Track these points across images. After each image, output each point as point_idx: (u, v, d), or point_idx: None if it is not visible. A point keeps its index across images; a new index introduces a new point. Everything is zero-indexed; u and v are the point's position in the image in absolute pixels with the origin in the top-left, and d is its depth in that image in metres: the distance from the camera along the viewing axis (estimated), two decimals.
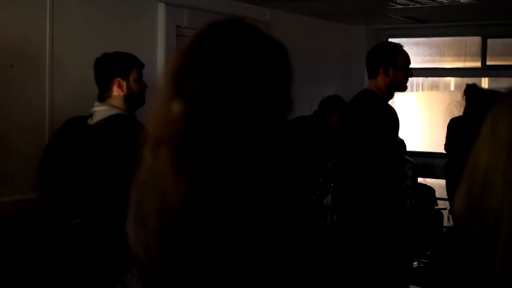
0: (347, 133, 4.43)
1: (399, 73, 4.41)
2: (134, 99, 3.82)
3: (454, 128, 6.74)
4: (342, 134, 4.51)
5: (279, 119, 1.57)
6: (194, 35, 1.57)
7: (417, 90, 9.37)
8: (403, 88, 4.55)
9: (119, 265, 3.45)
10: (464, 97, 6.46)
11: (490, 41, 7.78)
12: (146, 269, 1.52)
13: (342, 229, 4.49)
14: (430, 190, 7.39)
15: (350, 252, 4.43)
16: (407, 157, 7.14)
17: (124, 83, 3.79)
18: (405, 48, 4.60)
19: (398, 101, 8.53)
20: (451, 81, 9.15)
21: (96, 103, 3.83)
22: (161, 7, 5.41)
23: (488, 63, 7.81)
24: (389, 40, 7.90)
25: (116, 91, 3.80)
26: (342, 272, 4.50)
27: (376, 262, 4.23)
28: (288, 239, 1.47)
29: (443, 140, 7.03)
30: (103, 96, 3.84)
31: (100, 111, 3.79)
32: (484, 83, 8.34)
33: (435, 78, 9.08)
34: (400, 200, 4.38)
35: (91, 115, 3.84)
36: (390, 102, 4.54)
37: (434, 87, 9.49)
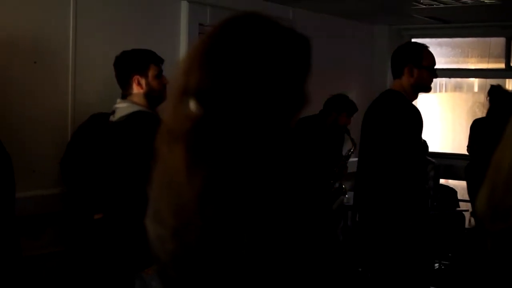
0: (370, 133, 4.40)
1: (424, 74, 4.37)
2: (155, 95, 3.79)
3: (477, 129, 6.70)
4: (365, 134, 4.48)
5: (293, 114, 1.56)
6: (210, 29, 1.56)
7: (440, 91, 9.30)
8: (428, 89, 4.51)
9: (140, 262, 3.46)
10: (488, 98, 6.42)
11: None
12: (163, 265, 1.52)
13: (364, 229, 4.46)
14: (452, 191, 7.35)
15: (371, 252, 4.40)
16: (429, 158, 7.10)
17: (143, 80, 3.78)
18: (429, 49, 4.56)
19: (421, 102, 8.48)
20: (475, 82, 9.07)
21: (118, 100, 3.82)
22: (184, 5, 5.43)
23: None
24: (412, 40, 7.86)
25: (136, 89, 3.78)
26: (363, 272, 4.48)
27: (397, 263, 4.21)
28: (302, 239, 1.45)
29: (465, 142, 6.99)
30: (125, 93, 3.84)
31: (122, 108, 3.78)
32: (508, 84, 8.25)
33: (459, 79, 9.01)
34: (422, 201, 4.35)
35: (113, 112, 3.84)
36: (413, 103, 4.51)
37: (457, 88, 9.42)
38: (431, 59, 4.43)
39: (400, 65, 4.39)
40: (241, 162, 1.43)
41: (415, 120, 4.30)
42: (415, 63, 4.35)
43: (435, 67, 4.51)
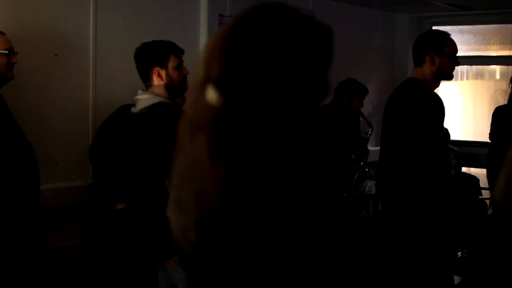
0: (392, 122, 4.39)
1: (446, 61, 4.35)
2: (175, 87, 3.79)
3: (499, 117, 6.65)
4: (387, 123, 4.46)
5: (315, 103, 1.55)
6: (231, 19, 1.56)
7: (461, 79, 9.25)
8: (450, 77, 4.49)
9: (162, 252, 3.48)
10: (510, 85, 6.37)
11: None
12: (186, 255, 1.52)
13: (387, 217, 4.45)
14: (474, 179, 7.31)
15: (394, 241, 4.39)
16: (451, 146, 7.06)
17: (163, 72, 3.78)
18: (450, 36, 4.54)
19: (442, 90, 8.43)
20: (497, 69, 9.00)
21: (139, 92, 3.83)
22: None
23: None
24: (433, 28, 7.82)
25: (156, 80, 3.79)
26: (386, 261, 4.47)
27: (420, 252, 4.20)
28: (326, 231, 1.45)
29: (487, 129, 6.94)
30: (146, 85, 3.85)
31: (143, 99, 3.79)
32: None
33: (480, 67, 8.95)
34: (444, 189, 4.33)
35: (135, 104, 3.85)
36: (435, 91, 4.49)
37: (479, 75, 9.36)
38: (453, 47, 4.41)
39: (421, 53, 4.37)
40: (263, 152, 1.43)
41: (437, 108, 4.28)
42: (437, 51, 4.33)
43: (457, 54, 4.49)
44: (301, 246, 1.42)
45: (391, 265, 4.39)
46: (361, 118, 6.51)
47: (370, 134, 6.37)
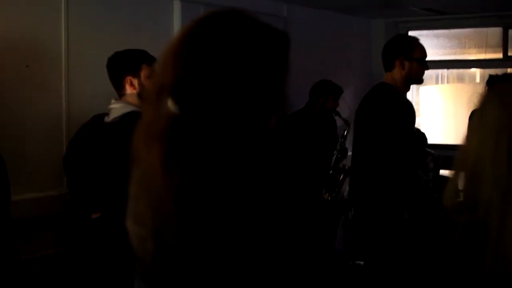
0: (363, 127, 4.41)
1: (415, 66, 4.38)
2: None
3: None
4: (358, 128, 4.49)
5: (272, 113, 1.55)
6: (186, 25, 1.55)
7: (442, 82, 9.29)
8: (419, 81, 4.53)
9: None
10: (487, 89, 6.40)
11: (511, 32, 7.68)
12: (144, 265, 1.52)
13: (360, 223, 4.47)
14: (448, 179, 7.31)
15: (368, 246, 4.41)
16: (428, 149, 7.08)
17: (135, 81, 3.77)
18: (425, 40, 4.57)
19: (423, 94, 8.46)
20: (477, 73, 9.05)
21: (113, 101, 3.83)
22: (177, 4, 5.42)
23: (510, 53, 7.71)
24: (409, 32, 7.85)
25: (129, 89, 3.78)
26: (362, 265, 4.48)
27: (393, 256, 4.21)
28: (278, 239, 1.44)
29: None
30: (119, 94, 3.85)
31: (116, 108, 3.79)
32: None
33: (460, 70, 8.99)
34: (417, 192, 4.36)
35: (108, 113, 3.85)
36: (414, 94, 4.53)
37: (459, 79, 9.40)
38: (422, 51, 4.44)
39: (391, 58, 4.41)
40: (217, 162, 1.42)
41: (407, 112, 4.31)
42: (406, 56, 4.37)
43: (431, 58, 4.52)
44: (255, 255, 1.42)
45: (367, 269, 4.41)
46: (338, 117, 6.54)
47: (347, 132, 6.39)
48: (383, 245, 4.22)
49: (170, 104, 1.49)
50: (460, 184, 1.40)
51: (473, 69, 8.93)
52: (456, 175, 1.40)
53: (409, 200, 4.22)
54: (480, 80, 8.97)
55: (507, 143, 1.28)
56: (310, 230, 1.55)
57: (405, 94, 4.49)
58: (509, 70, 8.12)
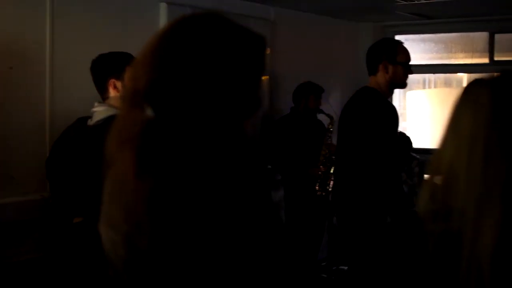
0: (346, 131, 4.40)
1: (399, 70, 4.39)
2: None
3: None
4: (341, 133, 4.48)
5: (246, 116, 1.53)
6: (162, 27, 1.54)
7: (429, 87, 9.30)
8: (403, 85, 4.52)
9: None
10: (460, 94, 6.38)
11: (497, 36, 7.70)
12: (117, 270, 1.51)
13: (343, 227, 4.46)
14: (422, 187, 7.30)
15: (352, 251, 4.40)
16: (413, 154, 7.08)
17: (119, 83, 3.75)
18: (412, 45, 4.58)
19: (410, 98, 8.46)
20: (464, 77, 9.06)
21: (96, 104, 3.80)
22: (163, 6, 5.40)
23: (496, 58, 7.73)
24: (396, 36, 7.85)
25: (112, 92, 3.77)
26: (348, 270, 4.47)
27: (376, 260, 4.20)
28: (251, 242, 1.43)
29: None
30: (103, 97, 3.82)
31: (99, 111, 3.76)
32: None
33: (448, 75, 8.99)
34: (400, 197, 4.35)
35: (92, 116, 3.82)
36: (401, 98, 4.53)
37: (446, 84, 9.41)
38: (406, 55, 4.44)
39: (374, 62, 4.41)
40: (190, 166, 1.41)
41: (391, 116, 4.31)
42: (390, 60, 4.37)
43: (417, 62, 4.53)
44: (229, 258, 1.40)
45: (351, 274, 4.39)
46: (322, 115, 6.56)
47: (332, 126, 6.40)
48: (366, 250, 4.21)
49: (138, 106, 1.46)
50: (432, 192, 1.38)
51: (460, 74, 8.94)
52: (430, 181, 1.38)
53: (391, 204, 4.22)
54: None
55: (482, 152, 1.26)
56: (296, 233, 1.54)
57: (389, 98, 4.49)
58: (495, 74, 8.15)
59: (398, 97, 7.95)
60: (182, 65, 1.45)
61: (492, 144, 1.25)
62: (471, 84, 1.37)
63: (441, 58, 8.32)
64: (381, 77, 4.38)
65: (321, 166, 6.33)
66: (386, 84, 4.39)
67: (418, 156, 7.16)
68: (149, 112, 1.48)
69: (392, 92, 4.52)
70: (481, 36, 7.85)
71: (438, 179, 1.36)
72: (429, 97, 9.13)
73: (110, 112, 3.72)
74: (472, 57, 8.08)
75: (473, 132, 1.28)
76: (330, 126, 6.43)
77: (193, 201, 1.39)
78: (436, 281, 1.32)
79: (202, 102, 1.44)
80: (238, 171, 1.46)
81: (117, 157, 1.48)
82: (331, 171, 6.27)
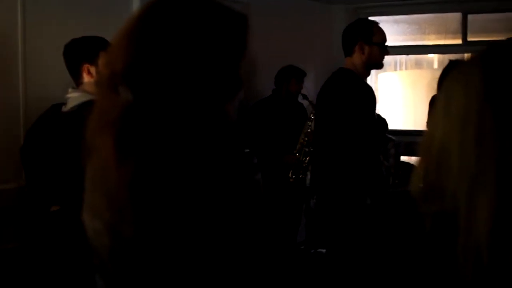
0: (324, 113, 4.39)
1: (375, 50, 4.38)
2: None
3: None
4: (319, 115, 4.47)
5: (227, 98, 1.50)
6: (138, 9, 1.50)
7: (400, 69, 9.33)
8: (379, 66, 4.52)
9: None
10: (450, 73, 6.41)
11: (470, 17, 7.73)
12: (101, 259, 1.48)
13: (322, 210, 4.45)
14: (413, 168, 7.34)
15: (330, 234, 4.40)
16: (389, 135, 7.10)
17: (93, 69, 3.71)
18: (385, 26, 4.56)
19: (382, 80, 8.48)
20: (434, 58, 9.10)
21: (70, 90, 3.76)
22: None
23: (469, 39, 7.76)
24: (369, 18, 7.85)
25: (86, 78, 3.72)
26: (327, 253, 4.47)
27: (356, 242, 4.21)
28: (237, 228, 1.41)
29: (425, 118, 6.97)
30: (76, 83, 3.77)
31: (73, 97, 3.72)
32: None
33: (418, 56, 9.03)
34: (379, 178, 4.35)
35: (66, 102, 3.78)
36: (373, 80, 4.52)
37: (417, 65, 9.44)
38: (382, 35, 4.43)
39: (350, 42, 4.40)
40: (172, 150, 1.38)
41: (368, 98, 4.30)
42: (366, 40, 4.35)
43: (391, 43, 4.51)
44: (214, 244, 1.38)
45: (329, 257, 4.40)
46: (305, 101, 6.55)
47: (313, 115, 6.39)
48: (345, 232, 4.21)
49: (121, 90, 1.43)
50: (424, 172, 1.35)
51: (431, 55, 8.97)
52: (421, 163, 1.36)
53: (371, 186, 4.22)
54: (439, 66, 9.01)
55: (474, 130, 1.24)
56: (273, 216, 1.52)
57: (365, 79, 4.48)
58: (465, 55, 8.18)
59: (370, 79, 7.95)
60: (161, 46, 1.41)
61: (485, 121, 1.23)
62: (462, 63, 1.34)
63: (414, 39, 8.35)
64: (357, 58, 4.37)
65: (297, 154, 6.32)
66: (363, 65, 4.37)
67: (394, 138, 7.19)
68: (127, 95, 1.44)
69: (368, 73, 4.51)
70: (454, 17, 7.88)
71: (429, 160, 1.34)
72: (401, 79, 9.15)
73: (84, 98, 3.68)
74: (445, 38, 8.12)
75: (464, 110, 1.26)
76: (311, 115, 6.41)
77: (175, 186, 1.36)
78: (434, 262, 1.31)
79: (181, 84, 1.40)
80: (220, 154, 1.43)
81: (97, 143, 1.44)
82: (306, 161, 6.27)
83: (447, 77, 1.34)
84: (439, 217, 1.31)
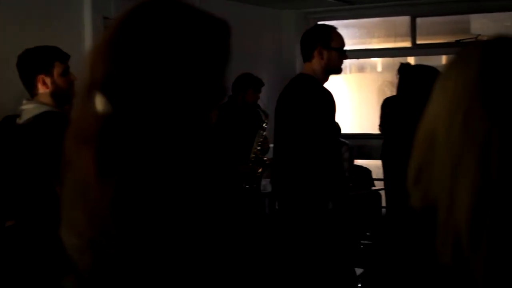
0: (284, 119, 4.38)
1: (334, 55, 4.39)
2: (62, 94, 3.67)
3: (388, 107, 6.75)
4: (279, 121, 4.45)
5: (210, 106, 1.46)
6: (117, 16, 1.45)
7: (345, 73, 9.39)
8: (338, 71, 4.53)
9: (57, 269, 3.33)
10: (398, 76, 6.48)
11: (419, 20, 7.82)
12: (82, 277, 1.42)
13: (285, 215, 4.44)
14: (366, 171, 7.40)
15: (294, 238, 4.39)
16: (342, 139, 7.13)
17: (48, 79, 3.64)
18: (337, 30, 4.57)
19: (328, 85, 8.52)
20: (378, 62, 9.19)
21: (24, 101, 3.68)
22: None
23: (418, 42, 7.85)
24: (319, 23, 7.89)
25: (41, 89, 3.65)
26: (286, 259, 4.46)
27: (321, 247, 4.21)
28: (223, 244, 1.37)
29: (375, 121, 7.03)
30: (31, 94, 3.69)
31: (28, 109, 3.64)
32: (415, 62, 8.38)
33: (361, 60, 9.11)
34: (340, 182, 4.36)
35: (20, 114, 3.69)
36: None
37: (360, 69, 9.53)
38: (340, 40, 4.46)
39: (309, 48, 4.40)
40: (154, 164, 1.33)
41: (328, 103, 4.31)
42: (324, 45, 4.37)
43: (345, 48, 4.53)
44: (198, 259, 1.35)
45: (292, 263, 4.38)
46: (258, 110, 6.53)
47: (266, 124, 6.38)
48: (308, 236, 4.20)
49: (100, 102, 1.37)
50: (416, 164, 1.33)
51: (374, 59, 9.05)
52: (413, 155, 1.33)
53: (333, 191, 4.22)
54: (382, 69, 9.11)
55: (463, 111, 1.22)
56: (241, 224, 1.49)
57: (324, 84, 4.48)
58: (412, 58, 8.25)
59: None
60: (142, 55, 1.37)
61: (475, 104, 1.21)
62: (466, 45, 1.33)
63: (364, 43, 8.41)
64: (316, 63, 4.37)
65: (250, 164, 6.29)
66: (322, 70, 4.38)
67: (347, 142, 7.22)
68: (106, 106, 1.38)
69: (327, 78, 4.52)
70: (403, 20, 7.96)
71: (420, 148, 1.31)
72: (347, 83, 9.22)
73: (40, 109, 3.62)
74: (394, 41, 8.20)
75: (458, 90, 1.24)
76: (264, 124, 6.39)
77: (159, 201, 1.32)
78: (412, 260, 1.28)
79: (165, 93, 1.36)
80: (205, 168, 1.39)
81: (76, 157, 1.38)
82: (260, 170, 6.25)
83: (446, 63, 1.33)
84: (422, 211, 1.29)
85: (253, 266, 1.46)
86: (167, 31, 1.38)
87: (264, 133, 6.41)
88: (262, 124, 6.40)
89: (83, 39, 5.25)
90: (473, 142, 1.19)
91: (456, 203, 1.19)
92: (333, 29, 4.51)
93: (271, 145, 5.51)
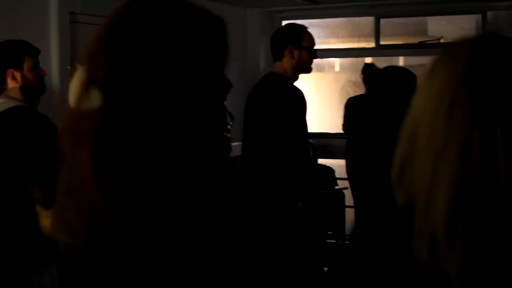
0: (254, 118, 4.38)
1: (304, 54, 4.43)
2: (32, 88, 3.66)
3: (352, 107, 6.80)
4: (248, 119, 4.45)
5: (212, 106, 1.45)
6: (115, 8, 1.43)
7: None
8: (309, 70, 4.57)
9: (27, 267, 3.30)
10: (362, 77, 6.53)
11: (383, 21, 7.88)
12: (78, 276, 1.41)
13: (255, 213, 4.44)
14: (330, 170, 7.45)
15: (264, 237, 4.39)
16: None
17: (18, 74, 3.63)
18: (308, 29, 4.60)
19: None
20: (336, 62, 9.23)
21: None
22: None
23: (381, 42, 7.90)
24: (283, 22, 7.89)
25: (11, 83, 3.64)
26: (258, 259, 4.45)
27: (290, 247, 4.22)
28: (222, 243, 1.37)
29: (336, 121, 7.08)
30: (0, 89, 3.65)
31: None
32: (378, 63, 8.43)
33: (320, 60, 9.14)
34: (310, 181, 4.38)
35: None
36: None
37: (318, 68, 9.57)
38: (311, 40, 4.50)
39: (280, 47, 4.42)
40: (153, 162, 1.32)
41: (299, 101, 4.34)
42: (295, 44, 4.40)
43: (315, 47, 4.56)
44: (200, 258, 1.34)
45: (263, 262, 4.38)
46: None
47: (231, 125, 6.37)
48: (278, 236, 4.21)
49: (98, 99, 1.35)
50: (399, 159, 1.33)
51: (332, 59, 9.08)
52: (398, 147, 1.34)
53: (303, 189, 4.24)
54: (340, 69, 9.16)
55: (447, 106, 1.23)
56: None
57: (294, 83, 4.50)
58: (371, 58, 8.29)
59: None
60: (139, 52, 1.35)
61: (459, 99, 1.22)
62: (456, 41, 1.33)
63: (328, 43, 8.43)
64: (286, 62, 4.39)
65: None
66: (292, 69, 4.41)
67: (312, 141, 7.25)
68: (105, 104, 1.36)
69: (297, 77, 4.55)
70: (367, 21, 8.01)
71: (403, 141, 1.32)
72: (305, 82, 9.25)
73: (9, 104, 3.60)
74: (358, 41, 8.24)
75: (443, 85, 1.25)
76: (229, 126, 6.38)
77: (159, 201, 1.31)
78: (388, 261, 1.29)
79: (164, 92, 1.35)
80: (207, 168, 1.38)
81: (72, 156, 1.36)
82: None
83: (434, 57, 1.33)
84: (402, 209, 1.30)
85: (248, 265, 1.47)
86: (167, 26, 1.37)
87: (229, 135, 6.40)
88: (228, 125, 6.40)
89: (49, 34, 5.18)
90: (456, 135, 1.20)
91: (434, 199, 1.20)
92: (303, 28, 4.54)
93: (235, 143, 5.52)
